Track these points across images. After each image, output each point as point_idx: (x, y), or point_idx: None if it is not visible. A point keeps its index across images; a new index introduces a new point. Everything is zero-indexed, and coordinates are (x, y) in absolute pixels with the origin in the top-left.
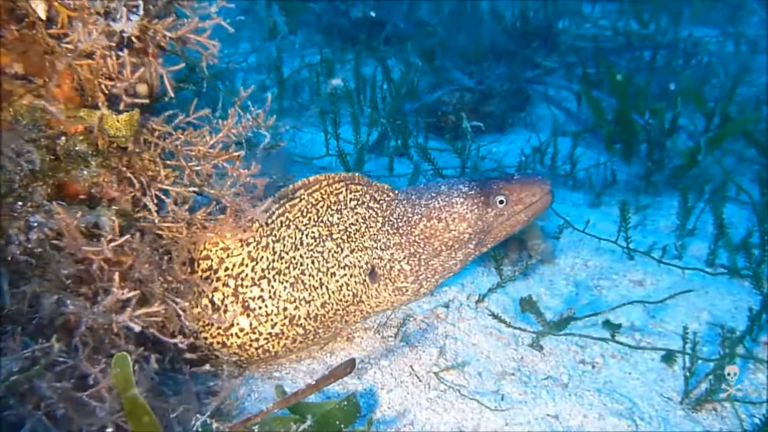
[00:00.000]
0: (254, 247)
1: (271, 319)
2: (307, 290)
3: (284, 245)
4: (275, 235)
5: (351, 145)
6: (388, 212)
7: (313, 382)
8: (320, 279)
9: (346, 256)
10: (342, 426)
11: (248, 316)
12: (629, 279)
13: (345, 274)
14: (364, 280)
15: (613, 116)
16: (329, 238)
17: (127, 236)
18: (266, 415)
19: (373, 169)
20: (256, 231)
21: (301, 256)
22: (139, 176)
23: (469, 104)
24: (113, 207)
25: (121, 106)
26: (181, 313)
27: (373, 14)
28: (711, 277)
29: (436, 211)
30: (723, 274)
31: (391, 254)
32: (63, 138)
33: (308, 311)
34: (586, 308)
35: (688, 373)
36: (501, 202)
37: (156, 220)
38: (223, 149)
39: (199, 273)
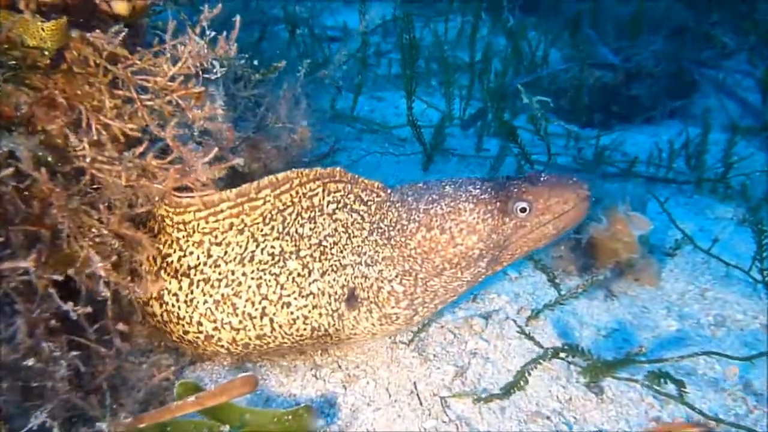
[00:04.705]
0: (184, 237)
1: (182, 326)
2: (237, 316)
3: (226, 252)
4: (216, 236)
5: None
6: (378, 217)
7: (194, 398)
8: (263, 309)
9: (314, 281)
10: None
11: (161, 306)
12: (760, 322)
13: (306, 305)
14: (336, 310)
15: None
16: (293, 257)
17: (11, 169)
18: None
19: (459, 147)
20: (189, 223)
21: (243, 274)
22: (78, 104)
23: (606, 85)
24: (38, 137)
25: (21, 5)
26: (102, 274)
27: None
28: None
29: (437, 218)
30: None
31: (380, 271)
32: None
33: (234, 338)
34: (683, 351)
35: None
36: (523, 210)
37: (88, 159)
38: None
39: (147, 230)
